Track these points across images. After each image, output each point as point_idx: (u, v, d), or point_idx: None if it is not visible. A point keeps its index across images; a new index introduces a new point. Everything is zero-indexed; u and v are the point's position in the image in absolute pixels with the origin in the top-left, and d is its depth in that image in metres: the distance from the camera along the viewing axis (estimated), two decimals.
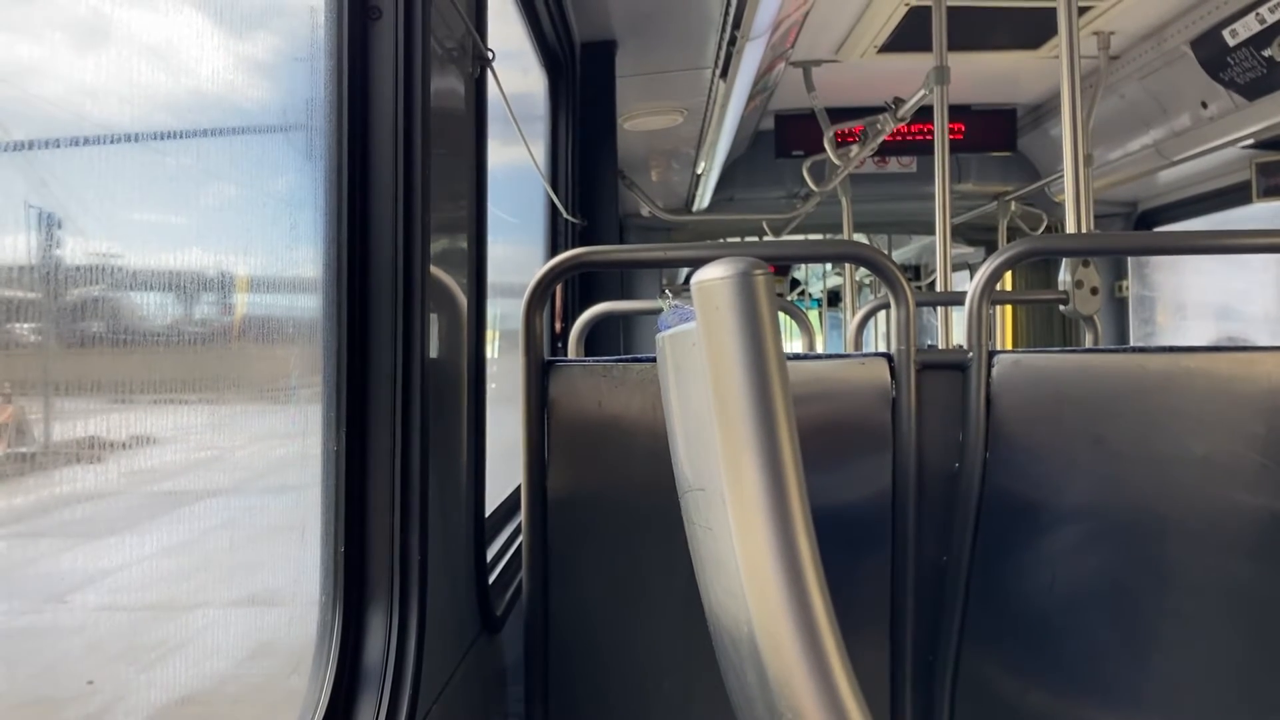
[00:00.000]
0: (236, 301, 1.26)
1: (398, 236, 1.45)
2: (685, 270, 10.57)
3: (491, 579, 2.00)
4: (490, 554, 2.10)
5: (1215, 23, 3.85)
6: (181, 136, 1.16)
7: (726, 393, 0.81)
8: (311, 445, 1.42)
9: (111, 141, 1.00)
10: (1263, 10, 3.56)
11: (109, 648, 1.06)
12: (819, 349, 5.53)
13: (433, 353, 1.56)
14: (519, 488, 2.02)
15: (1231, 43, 3.80)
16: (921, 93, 3.91)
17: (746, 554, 0.79)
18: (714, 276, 0.85)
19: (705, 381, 0.84)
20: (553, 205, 3.62)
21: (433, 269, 1.54)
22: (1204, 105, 4.25)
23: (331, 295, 1.42)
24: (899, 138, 5.43)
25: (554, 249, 3.71)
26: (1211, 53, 3.96)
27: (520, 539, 2.03)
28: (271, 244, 1.36)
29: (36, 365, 0.93)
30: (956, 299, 3.47)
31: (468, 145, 1.82)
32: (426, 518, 1.48)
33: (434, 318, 1.57)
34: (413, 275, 1.46)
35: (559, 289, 3.87)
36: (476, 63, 1.84)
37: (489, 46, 1.88)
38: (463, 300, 1.79)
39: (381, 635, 1.45)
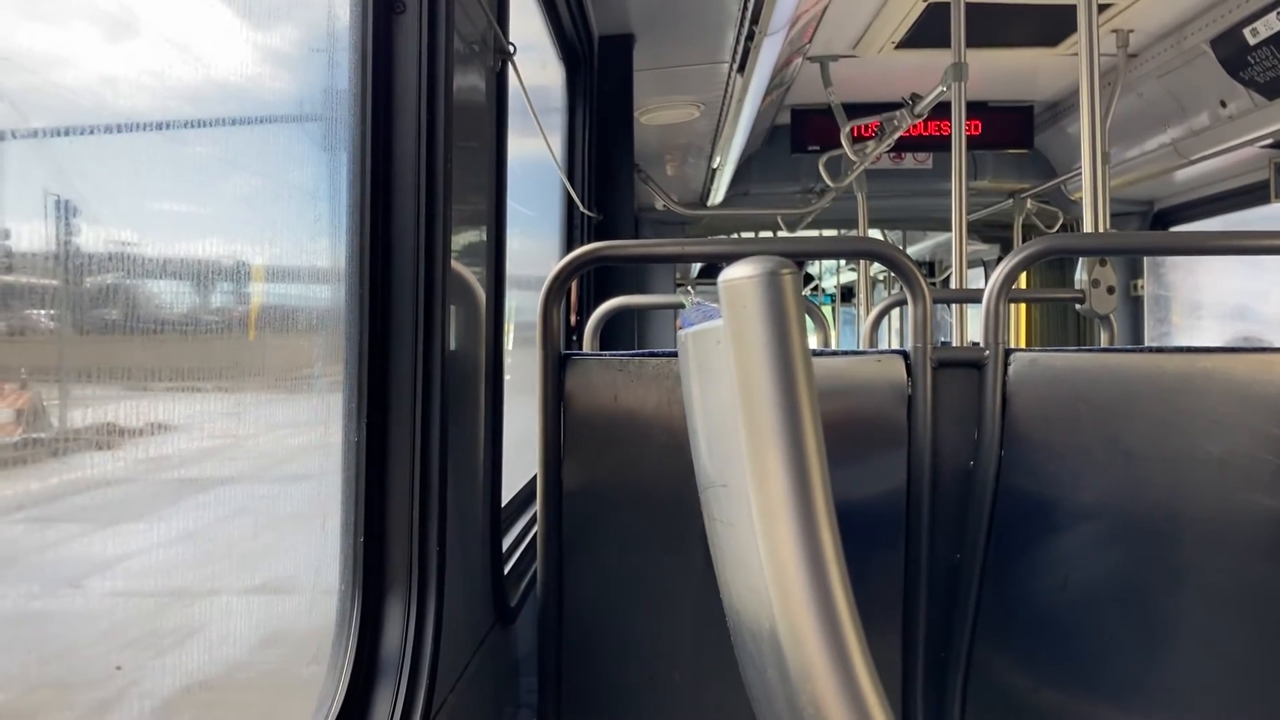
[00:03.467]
0: (262, 291, 1.27)
1: (419, 229, 1.46)
2: (698, 265, 10.56)
3: (506, 570, 2.01)
4: (505, 545, 2.11)
5: (1235, 21, 3.83)
6: (207, 126, 1.17)
7: (752, 390, 0.82)
8: (332, 435, 1.43)
9: (133, 130, 1.01)
10: None
11: (128, 633, 1.07)
12: (833, 345, 5.53)
13: (452, 345, 1.57)
14: (534, 479, 2.03)
15: (1252, 41, 3.78)
16: (939, 89, 3.90)
17: (770, 550, 0.79)
18: (742, 275, 0.85)
19: (730, 379, 0.84)
20: (569, 199, 3.63)
21: (453, 262, 1.55)
22: (1223, 104, 4.23)
23: (354, 287, 1.43)
24: (915, 134, 5.41)
25: (570, 243, 3.71)
26: (1231, 51, 3.93)
27: (534, 530, 2.04)
28: (296, 235, 1.36)
29: (54, 352, 0.93)
30: (973, 296, 3.47)
31: (488, 139, 1.83)
32: (445, 509, 1.49)
33: (454, 310, 1.57)
34: (434, 268, 1.47)
35: (574, 283, 3.87)
36: (498, 56, 1.85)
37: (510, 40, 1.88)
38: (482, 293, 1.79)
39: (399, 624, 1.46)
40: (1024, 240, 6.14)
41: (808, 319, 4.55)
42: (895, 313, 7.82)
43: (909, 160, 6.18)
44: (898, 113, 4.57)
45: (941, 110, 4.29)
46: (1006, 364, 1.97)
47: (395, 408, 1.46)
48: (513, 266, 2.04)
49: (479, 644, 1.78)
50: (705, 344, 1.03)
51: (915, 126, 4.83)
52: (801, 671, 0.76)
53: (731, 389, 0.84)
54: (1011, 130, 5.66)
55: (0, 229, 0.82)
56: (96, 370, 0.97)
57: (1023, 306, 7.34)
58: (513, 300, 2.49)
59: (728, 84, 4.00)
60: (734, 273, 0.86)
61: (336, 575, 1.43)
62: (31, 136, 0.87)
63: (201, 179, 1.14)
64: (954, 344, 4.50)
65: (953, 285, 3.85)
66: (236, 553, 1.28)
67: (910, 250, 9.66)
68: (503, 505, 2.00)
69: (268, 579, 1.39)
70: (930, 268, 10.56)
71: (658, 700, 2.03)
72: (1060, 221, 6.28)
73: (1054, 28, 4.37)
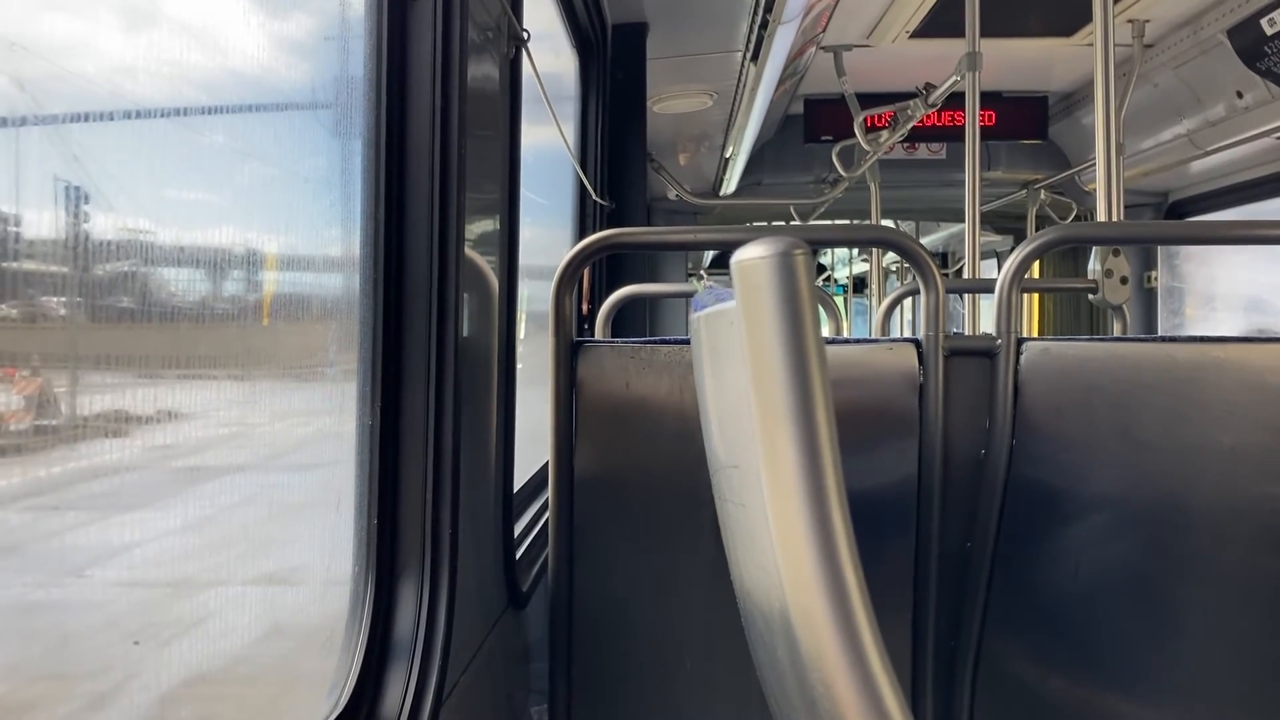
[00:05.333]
0: (276, 279, 1.28)
1: (433, 217, 1.47)
2: (709, 255, 10.55)
3: (518, 555, 2.02)
4: (516, 531, 2.12)
5: (1253, 11, 3.80)
6: (221, 114, 1.17)
7: (765, 370, 0.83)
8: (346, 420, 1.44)
9: (147, 118, 1.01)
10: None
11: (133, 621, 1.08)
12: (845, 334, 5.53)
13: (465, 332, 1.58)
14: (544, 466, 2.03)
15: (1269, 31, 3.75)
16: (953, 79, 3.89)
17: (780, 529, 0.80)
18: (755, 255, 0.86)
19: (743, 359, 0.85)
20: (581, 187, 3.63)
21: (467, 250, 1.56)
22: (1239, 95, 4.21)
23: (369, 274, 1.44)
24: (929, 124, 5.40)
25: (582, 231, 3.72)
26: (1248, 42, 3.91)
27: (545, 517, 2.05)
28: (310, 223, 1.37)
29: (66, 339, 0.93)
30: (986, 286, 3.46)
31: (502, 126, 1.83)
32: (457, 493, 1.50)
33: (467, 298, 1.58)
34: (448, 256, 1.48)
35: (586, 271, 3.88)
36: (511, 43, 1.85)
37: (524, 27, 1.89)
38: (494, 281, 1.80)
39: (412, 608, 1.47)
40: (1039, 231, 6.11)
41: (821, 309, 4.57)
42: (908, 305, 7.80)
43: (922, 150, 6.16)
44: (911, 103, 4.57)
45: (955, 100, 4.28)
46: (1019, 353, 1.97)
47: (408, 393, 1.47)
48: (525, 255, 2.05)
49: (490, 628, 1.80)
50: (718, 325, 1.03)
51: (929, 116, 4.82)
52: (812, 650, 0.77)
53: (744, 369, 0.85)
54: (1026, 121, 5.63)
55: (13, 215, 0.83)
56: (109, 358, 0.98)
57: (1036, 298, 7.32)
58: (524, 289, 2.50)
59: (741, 73, 4.00)
60: (747, 252, 0.87)
61: (350, 558, 1.45)
62: (46, 123, 0.88)
63: (216, 167, 1.15)
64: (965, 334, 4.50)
65: (965, 276, 3.85)
66: (252, 536, 1.29)
67: (923, 241, 9.63)
68: (514, 491, 2.01)
69: (282, 562, 1.40)
70: (944, 259, 10.54)
71: (668, 686, 2.04)
72: (1074, 213, 6.26)
73: (1069, 17, 4.35)
